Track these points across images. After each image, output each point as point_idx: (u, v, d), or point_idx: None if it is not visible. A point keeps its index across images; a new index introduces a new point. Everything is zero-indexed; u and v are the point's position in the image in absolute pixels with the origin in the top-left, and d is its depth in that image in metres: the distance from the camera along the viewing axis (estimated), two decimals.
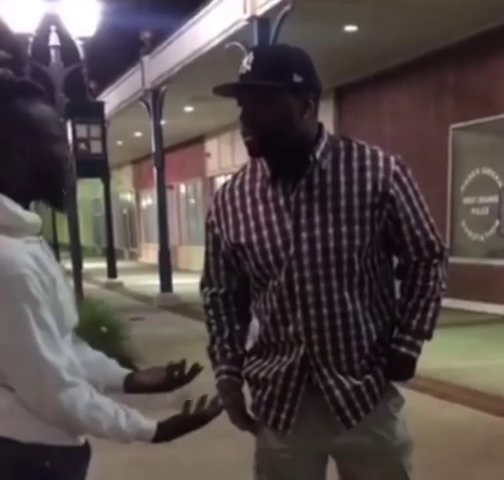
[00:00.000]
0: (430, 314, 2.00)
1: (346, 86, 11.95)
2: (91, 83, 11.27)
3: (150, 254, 22.32)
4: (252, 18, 8.58)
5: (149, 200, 23.68)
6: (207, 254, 2.12)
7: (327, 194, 1.90)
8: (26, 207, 1.65)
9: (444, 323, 2.34)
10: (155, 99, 12.95)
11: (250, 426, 2.09)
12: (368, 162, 1.93)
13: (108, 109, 11.72)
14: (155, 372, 1.94)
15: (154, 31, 13.56)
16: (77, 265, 7.88)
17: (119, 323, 6.71)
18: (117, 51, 16.74)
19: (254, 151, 1.93)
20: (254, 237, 1.95)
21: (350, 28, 9.08)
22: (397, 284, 2.07)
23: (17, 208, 1.60)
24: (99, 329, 6.19)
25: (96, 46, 8.06)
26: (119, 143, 18.31)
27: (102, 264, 18.18)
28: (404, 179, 1.95)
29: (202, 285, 2.16)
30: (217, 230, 2.05)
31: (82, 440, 1.73)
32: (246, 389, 2.09)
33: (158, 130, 12.94)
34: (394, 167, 1.93)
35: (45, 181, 1.66)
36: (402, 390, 2.10)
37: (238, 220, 1.99)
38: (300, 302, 1.91)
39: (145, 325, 9.38)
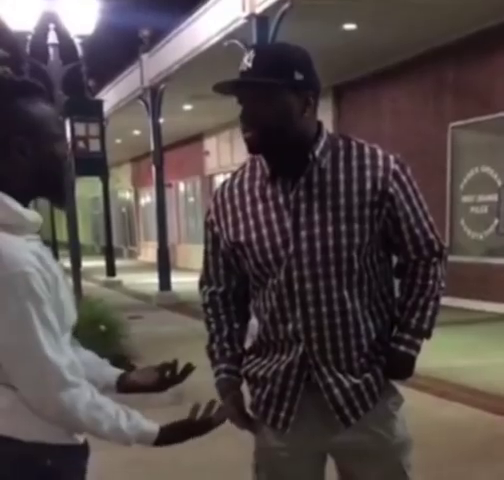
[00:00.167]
0: (429, 313, 2.00)
1: (345, 84, 11.95)
2: (90, 81, 11.24)
3: (149, 252, 22.33)
4: (251, 16, 8.58)
5: (148, 198, 23.67)
6: (206, 253, 2.11)
7: (326, 192, 1.90)
8: (25, 205, 1.65)
9: (443, 322, 2.34)
10: (154, 97, 12.94)
11: (249, 425, 2.09)
12: (367, 161, 1.93)
13: (107, 107, 11.71)
14: (148, 372, 1.94)
15: (153, 29, 13.56)
16: (76, 263, 7.87)
17: (118, 321, 6.71)
18: (116, 49, 16.73)
19: (253, 148, 1.93)
20: (253, 235, 1.95)
21: (349, 26, 9.08)
22: (396, 283, 2.06)
23: (18, 206, 1.61)
24: (98, 327, 6.19)
25: (95, 44, 8.04)
26: (118, 141, 18.30)
27: (101, 262, 18.20)
28: (403, 178, 1.94)
29: (201, 284, 2.16)
30: (216, 228, 2.05)
31: (81, 439, 1.73)
32: (245, 388, 2.09)
33: (157, 128, 12.94)
34: (393, 166, 1.93)
35: (46, 180, 1.67)
36: (401, 389, 2.10)
37: (237, 218, 1.99)
38: (299, 300, 1.91)
39: (144, 323, 9.38)
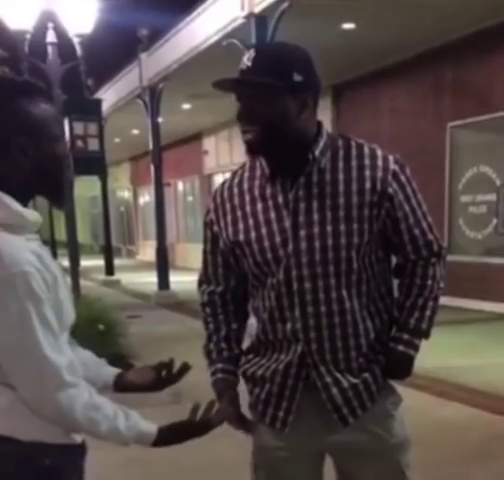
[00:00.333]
0: (428, 313, 2.00)
1: (344, 84, 11.95)
2: (88, 80, 11.25)
3: (147, 251, 22.32)
4: (250, 15, 8.57)
5: (147, 197, 23.67)
6: (205, 252, 2.11)
7: (326, 192, 1.90)
8: (25, 205, 1.65)
9: (441, 321, 2.34)
10: (152, 96, 12.94)
11: (244, 426, 2.08)
12: (367, 161, 1.93)
13: (105, 106, 11.69)
14: (144, 371, 1.94)
15: (152, 28, 13.56)
16: (74, 262, 7.85)
17: (116, 320, 6.71)
18: (114, 48, 16.72)
19: (253, 149, 1.93)
20: (253, 235, 1.95)
21: (348, 26, 9.08)
22: (395, 283, 2.06)
23: (18, 206, 1.61)
24: (96, 327, 6.19)
25: (93, 43, 8.02)
26: (116, 140, 18.29)
27: (99, 261, 18.20)
28: (403, 178, 1.94)
29: (200, 283, 2.16)
30: (216, 228, 2.05)
31: (79, 438, 1.73)
32: (243, 388, 2.09)
33: (155, 127, 12.93)
34: (393, 166, 1.93)
35: (47, 179, 1.68)
36: (399, 388, 2.10)
37: (237, 218, 1.99)
38: (298, 300, 1.91)
39: (142, 323, 9.38)
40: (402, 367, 2.02)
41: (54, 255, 1.81)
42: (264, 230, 1.94)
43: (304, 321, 1.91)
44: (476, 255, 9.68)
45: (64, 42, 7.55)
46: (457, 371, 5.99)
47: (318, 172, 1.91)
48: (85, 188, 24.20)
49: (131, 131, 17.75)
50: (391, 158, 1.95)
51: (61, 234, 19.73)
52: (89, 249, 28.75)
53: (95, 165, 9.01)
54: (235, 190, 2.02)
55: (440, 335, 2.66)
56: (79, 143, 8.52)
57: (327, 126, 2.00)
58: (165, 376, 1.92)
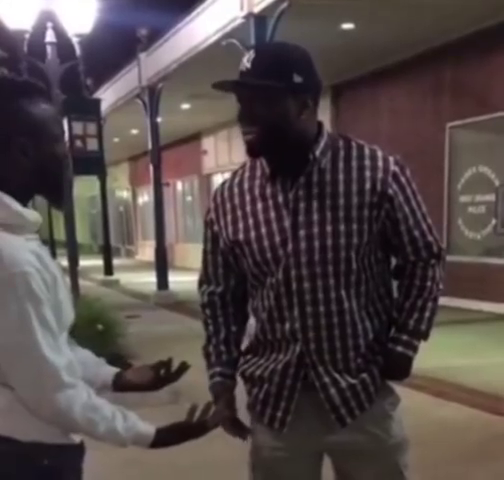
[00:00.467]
0: (427, 314, 2.00)
1: (343, 84, 11.94)
2: (87, 80, 11.25)
3: (146, 251, 22.31)
4: (249, 15, 8.57)
5: (146, 197, 23.66)
6: (205, 252, 2.11)
7: (326, 192, 1.90)
8: (24, 204, 1.65)
9: (440, 321, 2.34)
10: (152, 96, 12.93)
11: (239, 431, 2.08)
12: (367, 161, 1.93)
13: (104, 106, 11.69)
14: (143, 371, 1.94)
15: (151, 28, 13.56)
16: (73, 262, 7.85)
17: (115, 321, 6.72)
18: (114, 48, 16.71)
19: (254, 150, 1.93)
20: (252, 234, 1.95)
21: (347, 25, 9.07)
22: (394, 284, 2.06)
23: (18, 206, 1.61)
24: (95, 327, 6.20)
25: (93, 43, 8.02)
26: (116, 140, 18.28)
27: (98, 261, 18.19)
28: (403, 179, 1.94)
29: (200, 283, 2.16)
30: (216, 227, 2.05)
31: (78, 438, 1.73)
32: (242, 388, 2.09)
33: (154, 127, 12.93)
34: (393, 167, 1.93)
35: (47, 179, 1.68)
36: (398, 388, 2.10)
37: (237, 217, 1.99)
38: (297, 299, 1.91)
39: (141, 323, 9.38)
40: (400, 368, 2.02)
41: (53, 255, 1.81)
42: (264, 229, 1.94)
43: (303, 321, 1.91)
44: (475, 255, 9.68)
45: (63, 42, 7.54)
46: (456, 371, 5.99)
47: (318, 172, 1.91)
48: (84, 188, 24.20)
49: (130, 131, 17.75)
50: (391, 159, 1.95)
51: (60, 234, 19.75)
52: (88, 249, 28.74)
53: (94, 165, 9.00)
54: (235, 190, 2.02)
55: (439, 335, 2.66)
56: (78, 143, 8.51)
57: (326, 126, 2.00)
58: (163, 375, 1.92)
